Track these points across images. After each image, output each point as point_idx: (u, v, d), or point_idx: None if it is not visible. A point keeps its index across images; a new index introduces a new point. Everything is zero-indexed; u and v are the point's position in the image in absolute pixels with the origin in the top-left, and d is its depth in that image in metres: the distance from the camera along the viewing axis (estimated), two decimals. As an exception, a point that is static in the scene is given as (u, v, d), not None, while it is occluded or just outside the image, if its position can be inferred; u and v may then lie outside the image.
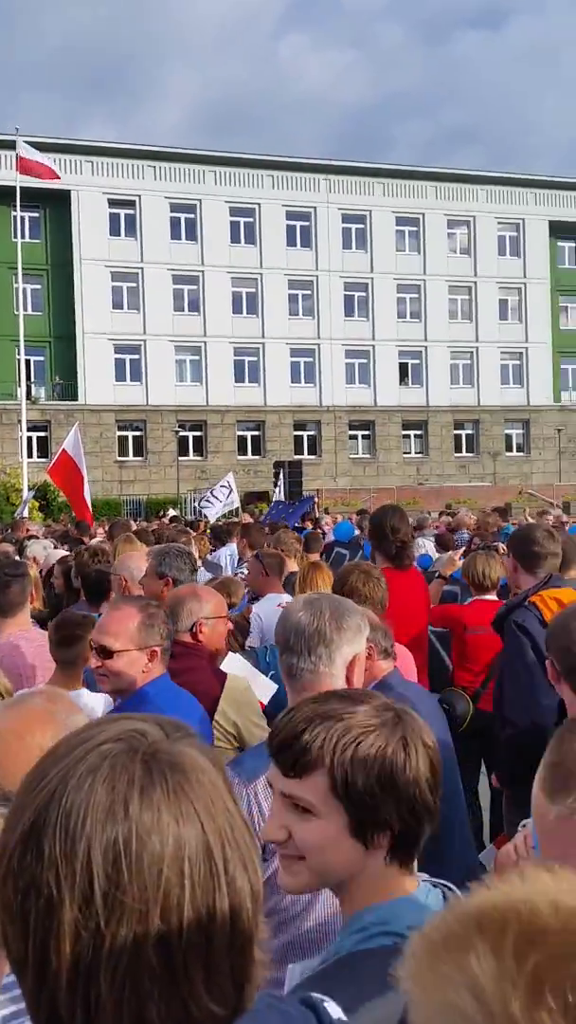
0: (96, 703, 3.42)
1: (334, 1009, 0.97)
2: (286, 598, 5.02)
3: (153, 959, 0.72)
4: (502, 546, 7.74)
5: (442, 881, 1.44)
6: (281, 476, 21.14)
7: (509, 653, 3.94)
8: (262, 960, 0.80)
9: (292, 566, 6.44)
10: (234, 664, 3.50)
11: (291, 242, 41.95)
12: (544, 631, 3.74)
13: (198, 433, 40.53)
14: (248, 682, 3.32)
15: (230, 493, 19.20)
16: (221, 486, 19.20)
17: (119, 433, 39.46)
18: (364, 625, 2.17)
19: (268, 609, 5.08)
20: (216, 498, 18.63)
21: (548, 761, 1.20)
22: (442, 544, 11.21)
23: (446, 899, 1.36)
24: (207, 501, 18.75)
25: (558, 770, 1.14)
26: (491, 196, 44.62)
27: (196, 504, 18.65)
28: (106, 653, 2.82)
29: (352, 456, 42.30)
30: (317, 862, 1.31)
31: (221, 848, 0.77)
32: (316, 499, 17.51)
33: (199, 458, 40.22)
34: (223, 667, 3.39)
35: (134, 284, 39.68)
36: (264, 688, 3.40)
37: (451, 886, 1.42)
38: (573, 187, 46.01)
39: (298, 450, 40.89)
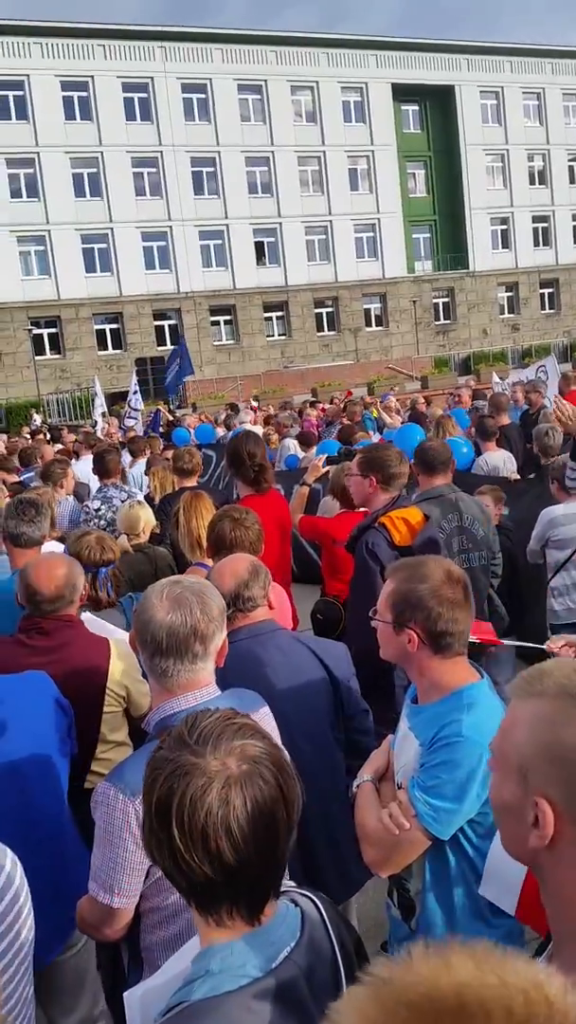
0: None
1: None
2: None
3: None
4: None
5: (306, 892, 1.48)
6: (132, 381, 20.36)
7: (356, 574, 4.08)
8: None
9: (191, 482, 6.39)
10: (92, 624, 3.44)
11: (130, 116, 39.56)
12: (391, 552, 3.94)
13: (53, 330, 38.80)
14: (120, 640, 3.29)
15: (95, 398, 18.71)
16: (96, 395, 18.45)
17: (-34, 335, 37.30)
18: (223, 604, 2.22)
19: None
20: (134, 408, 17.83)
21: None
22: (305, 442, 11.50)
23: (304, 922, 1.41)
24: (130, 418, 17.85)
25: None
26: (332, 59, 43.12)
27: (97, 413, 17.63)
28: None
29: (216, 343, 41.64)
30: None
31: None
32: (161, 410, 17.08)
33: (57, 356, 38.66)
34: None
35: (-35, 172, 36.80)
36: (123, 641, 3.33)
37: (313, 897, 1.47)
38: (413, 47, 44.95)
39: (160, 341, 39.94)
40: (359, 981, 0.69)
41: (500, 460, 8.14)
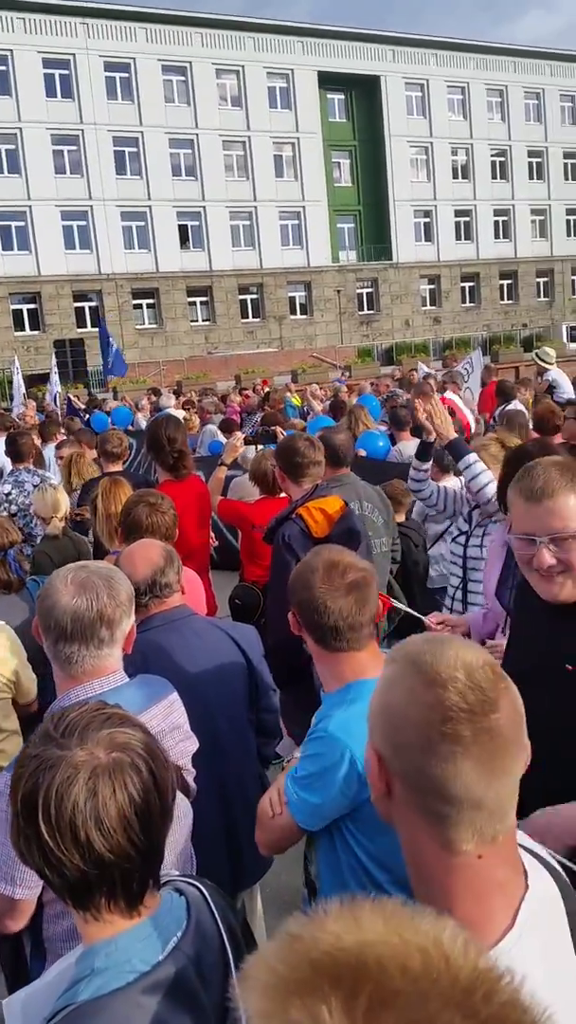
0: None
1: None
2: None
3: None
4: (280, 431, 8.10)
5: (190, 879, 1.46)
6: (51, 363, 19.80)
7: (274, 566, 4.04)
8: None
9: (116, 466, 6.30)
10: None
11: (51, 93, 38.54)
12: (308, 544, 3.85)
13: (-33, 308, 37.70)
14: (8, 627, 3.34)
15: (15, 379, 18.28)
16: (15, 375, 18.07)
17: None
18: (131, 589, 2.19)
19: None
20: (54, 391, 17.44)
21: None
22: (227, 428, 11.46)
23: (189, 909, 1.38)
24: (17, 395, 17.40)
25: None
26: (258, 44, 42.84)
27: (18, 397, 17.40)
28: None
29: (138, 327, 41.03)
30: None
31: None
32: (71, 396, 16.87)
33: (-29, 336, 37.60)
34: None
35: None
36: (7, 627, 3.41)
37: (197, 883, 1.44)
38: (339, 36, 45.01)
39: (80, 323, 39.16)
40: (253, 957, 0.70)
41: (414, 449, 8.19)
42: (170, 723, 2.25)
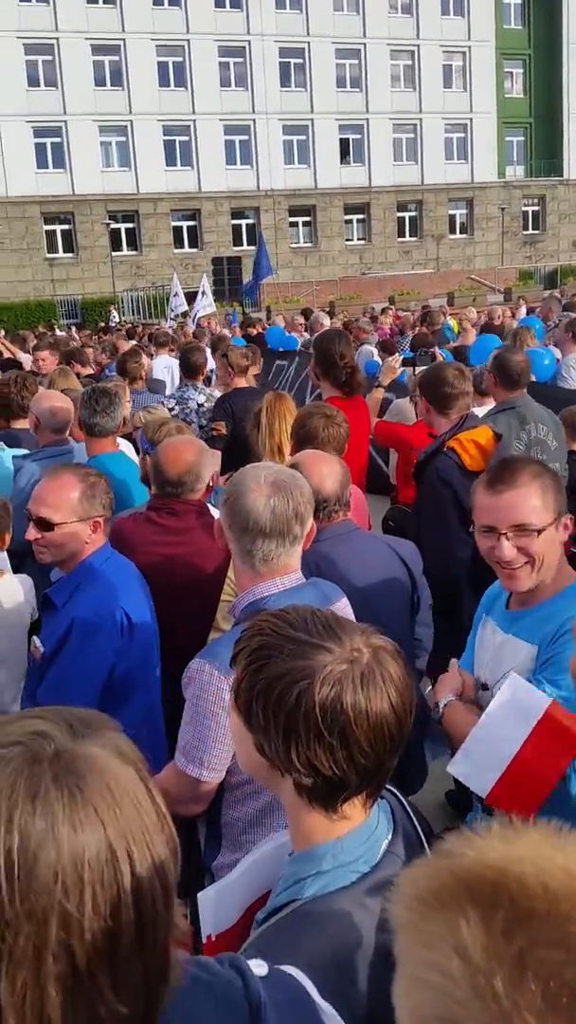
0: (14, 590, 3.47)
1: (259, 967, 1.05)
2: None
3: (54, 967, 0.75)
4: (439, 352, 8.02)
5: (389, 788, 1.45)
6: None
7: (427, 500, 3.92)
8: (177, 960, 0.87)
9: (241, 383, 6.37)
10: None
11: (219, 3, 38.03)
12: (463, 478, 3.72)
13: (130, 225, 38.44)
14: None
15: (175, 296, 18.78)
16: (174, 295, 18.53)
17: (46, 227, 36.92)
18: (311, 490, 2.23)
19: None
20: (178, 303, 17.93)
21: None
22: (386, 349, 11.43)
23: (394, 813, 1.40)
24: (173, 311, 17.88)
25: None
26: (433, -56, 40.61)
27: (172, 313, 17.89)
28: (46, 525, 2.70)
29: (293, 245, 40.78)
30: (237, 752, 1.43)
31: (127, 852, 0.80)
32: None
33: (134, 252, 38.39)
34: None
35: (49, 57, 35.80)
36: None
37: (396, 793, 1.47)
38: None
39: (236, 241, 39.34)
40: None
41: None
42: None
